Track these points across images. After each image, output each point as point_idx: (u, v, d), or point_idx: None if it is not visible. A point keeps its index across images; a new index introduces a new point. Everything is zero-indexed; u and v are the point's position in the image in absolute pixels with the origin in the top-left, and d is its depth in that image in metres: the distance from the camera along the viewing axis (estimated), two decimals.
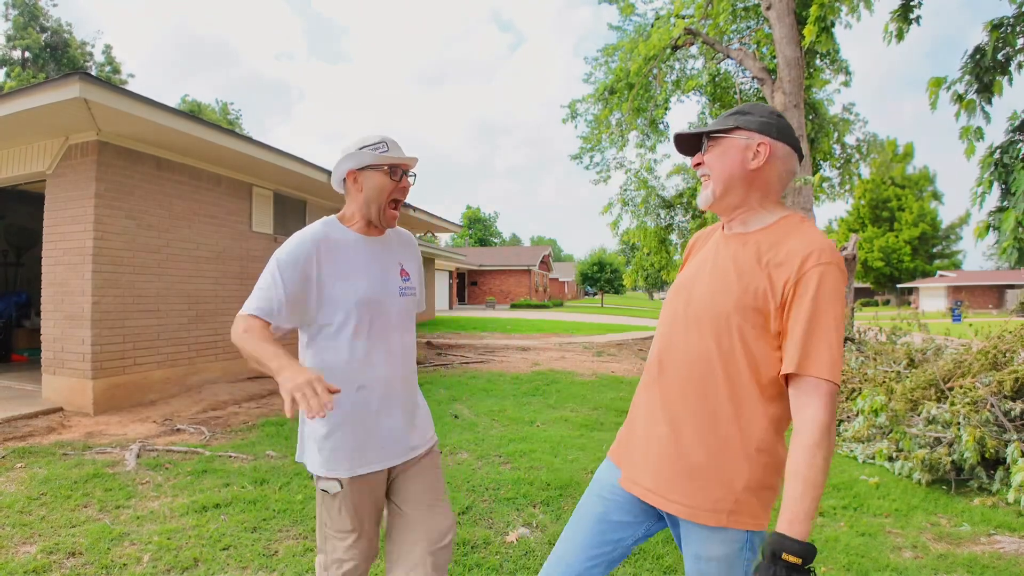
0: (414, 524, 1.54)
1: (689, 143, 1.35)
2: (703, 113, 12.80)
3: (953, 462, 3.57)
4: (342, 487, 1.49)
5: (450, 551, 1.57)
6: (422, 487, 1.59)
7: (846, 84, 10.74)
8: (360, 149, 1.58)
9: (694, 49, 11.62)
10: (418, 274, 1.75)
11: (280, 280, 1.47)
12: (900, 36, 5.50)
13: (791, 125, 1.23)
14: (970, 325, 6.14)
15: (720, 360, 1.15)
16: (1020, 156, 4.76)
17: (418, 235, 18.15)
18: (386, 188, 1.58)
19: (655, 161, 12.25)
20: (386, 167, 1.58)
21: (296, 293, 1.48)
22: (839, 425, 4.87)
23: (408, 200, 9.42)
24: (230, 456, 3.81)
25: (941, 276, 45.78)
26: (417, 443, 1.61)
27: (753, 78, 10.41)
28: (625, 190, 12.16)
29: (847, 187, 11.80)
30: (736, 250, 1.22)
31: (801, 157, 1.26)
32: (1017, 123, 4.82)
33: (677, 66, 12.05)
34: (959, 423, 3.66)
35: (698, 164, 1.31)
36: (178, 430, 4.49)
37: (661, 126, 12.14)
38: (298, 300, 1.49)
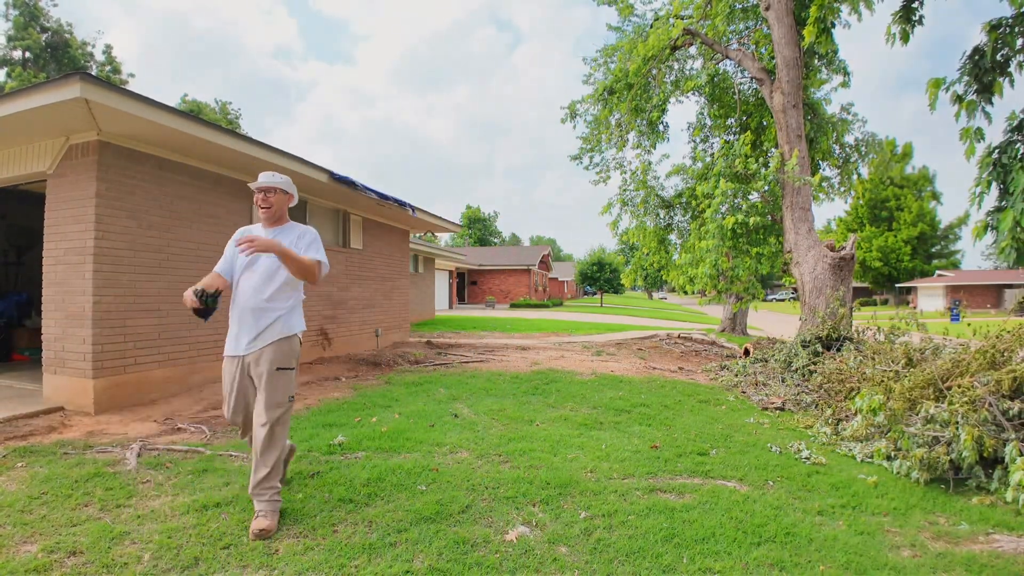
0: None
1: None
2: (701, 113, 12.82)
3: (951, 461, 3.58)
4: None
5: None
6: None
7: (844, 85, 10.73)
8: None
9: (693, 50, 11.64)
10: (293, 246, 2.94)
11: (225, 249, 3.14)
12: (905, 38, 5.49)
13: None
14: (968, 324, 6.15)
15: None
16: (1018, 156, 4.77)
17: (418, 235, 18.15)
18: (255, 202, 3.11)
19: (650, 163, 12.22)
20: (254, 191, 3.10)
21: (226, 258, 3.09)
22: (838, 424, 4.88)
23: (406, 200, 9.32)
24: (231, 455, 3.81)
25: (939, 276, 45.80)
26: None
27: (752, 78, 10.43)
28: (624, 190, 12.16)
29: (846, 187, 11.81)
30: None
31: None
32: (1016, 123, 4.83)
33: (676, 67, 12.06)
34: (957, 422, 3.67)
35: None
36: (179, 429, 4.50)
37: (660, 127, 12.15)
38: (227, 260, 3.08)
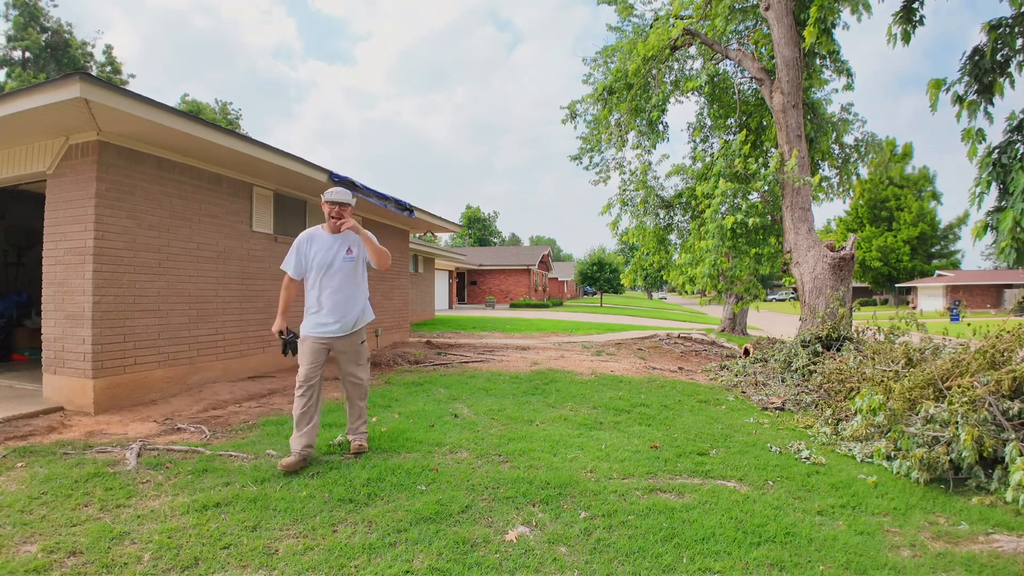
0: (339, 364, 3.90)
1: None
2: (701, 113, 12.82)
3: (951, 461, 3.58)
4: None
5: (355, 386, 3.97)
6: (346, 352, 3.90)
7: (848, 87, 10.69)
8: (324, 193, 3.72)
9: (693, 50, 11.64)
10: (360, 249, 3.83)
11: (294, 253, 3.76)
12: (906, 39, 5.49)
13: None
14: (968, 324, 6.15)
15: None
16: (1018, 156, 4.78)
17: (418, 235, 18.15)
18: (327, 213, 3.73)
19: (650, 164, 12.23)
20: (325, 203, 3.72)
21: (299, 259, 3.75)
22: (838, 424, 4.88)
23: (406, 200, 9.46)
24: (231, 455, 3.81)
25: (939, 276, 45.82)
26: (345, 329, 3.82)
27: (752, 79, 10.43)
28: (624, 190, 12.16)
29: (845, 187, 11.80)
30: None
31: None
32: (1016, 123, 4.83)
33: (676, 67, 12.06)
34: (957, 422, 3.67)
35: None
36: (179, 429, 4.50)
37: (660, 127, 12.15)
38: (300, 262, 3.76)
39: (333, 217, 3.71)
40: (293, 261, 3.76)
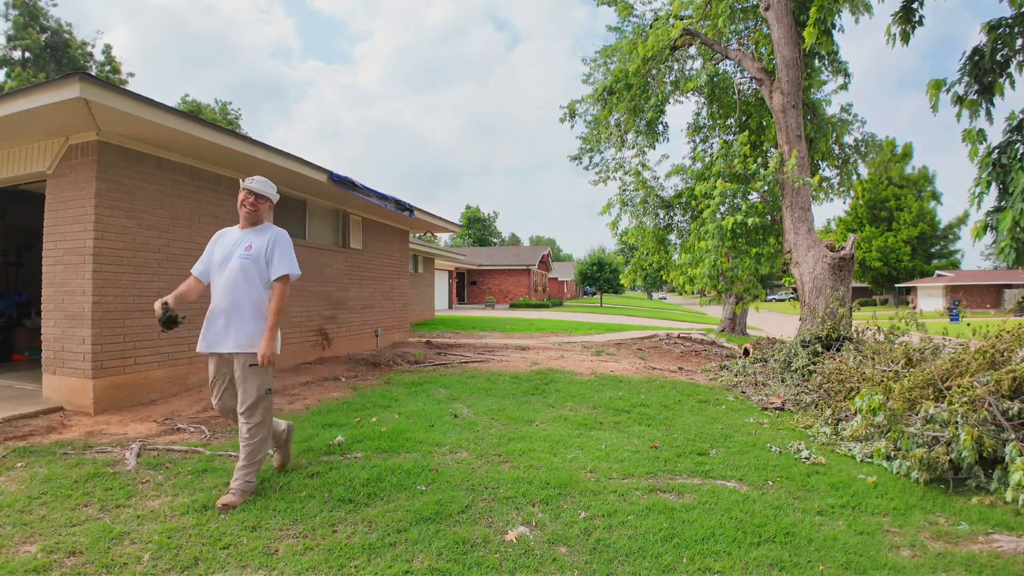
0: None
1: None
2: (699, 114, 12.82)
3: (951, 461, 3.58)
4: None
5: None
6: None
7: (844, 87, 10.71)
8: (244, 179, 3.28)
9: (692, 50, 11.64)
10: (264, 248, 3.18)
11: (204, 252, 3.33)
12: (905, 39, 5.49)
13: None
14: (968, 324, 6.15)
15: None
16: (1018, 156, 4.77)
17: (418, 235, 18.16)
18: (239, 200, 3.26)
19: (645, 164, 12.23)
20: (241, 189, 3.24)
21: (204, 259, 3.29)
22: (838, 424, 4.89)
23: (405, 200, 9.42)
24: (230, 455, 3.81)
25: (939, 276, 45.82)
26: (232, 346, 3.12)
27: (752, 79, 10.43)
28: (624, 190, 12.16)
29: (845, 187, 11.81)
30: None
31: None
32: (1015, 123, 4.83)
33: (676, 67, 12.06)
34: (957, 422, 3.68)
35: None
36: (178, 429, 4.50)
37: (659, 127, 12.15)
38: (205, 262, 3.28)
39: (244, 206, 3.21)
40: (199, 261, 3.30)
